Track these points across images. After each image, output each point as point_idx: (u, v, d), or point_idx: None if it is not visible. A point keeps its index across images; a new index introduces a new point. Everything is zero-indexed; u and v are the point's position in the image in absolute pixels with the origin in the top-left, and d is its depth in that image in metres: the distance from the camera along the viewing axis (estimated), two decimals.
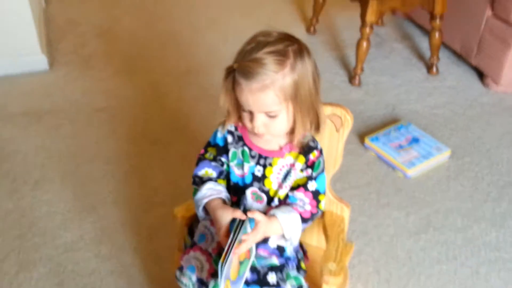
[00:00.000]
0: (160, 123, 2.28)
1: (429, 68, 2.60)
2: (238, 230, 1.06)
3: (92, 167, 2.05)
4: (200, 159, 1.23)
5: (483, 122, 2.25)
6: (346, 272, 1.31)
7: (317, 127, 1.14)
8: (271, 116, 1.06)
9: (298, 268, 1.21)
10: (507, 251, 1.69)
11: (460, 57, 2.65)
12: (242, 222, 1.07)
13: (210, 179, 1.19)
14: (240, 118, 1.13)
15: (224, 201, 1.16)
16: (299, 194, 1.16)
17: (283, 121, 1.08)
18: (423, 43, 2.80)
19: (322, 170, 1.17)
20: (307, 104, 1.08)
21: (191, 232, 1.29)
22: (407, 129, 2.16)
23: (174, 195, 1.91)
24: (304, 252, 1.28)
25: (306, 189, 1.15)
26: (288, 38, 1.07)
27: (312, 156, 1.14)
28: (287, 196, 1.17)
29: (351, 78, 2.53)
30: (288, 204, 1.16)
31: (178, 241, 1.34)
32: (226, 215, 1.10)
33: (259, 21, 3.06)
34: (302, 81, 1.05)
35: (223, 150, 1.19)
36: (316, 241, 1.40)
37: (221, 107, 1.14)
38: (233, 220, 1.09)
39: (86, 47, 2.85)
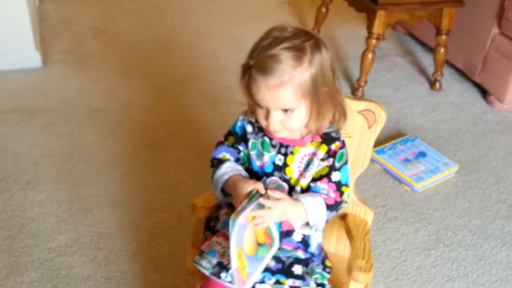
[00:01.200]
0: (158, 127, 2.21)
1: (432, 83, 2.58)
2: (254, 198, 1.03)
3: (88, 168, 1.96)
4: (219, 144, 1.20)
5: (488, 139, 2.23)
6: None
7: (340, 119, 1.12)
8: (287, 112, 1.04)
9: (324, 265, 1.17)
10: None
11: (463, 74, 2.64)
12: (259, 194, 1.05)
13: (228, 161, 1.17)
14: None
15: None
16: (322, 185, 1.12)
17: (300, 117, 1.05)
18: (425, 58, 2.79)
19: (346, 162, 1.13)
20: (325, 98, 1.05)
21: (208, 227, 1.23)
22: (413, 143, 2.12)
23: (173, 200, 1.83)
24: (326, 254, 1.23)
25: (329, 179, 1.12)
26: (304, 33, 1.04)
27: (334, 146, 1.12)
28: (309, 186, 1.13)
29: (354, 90, 2.49)
30: (311, 192, 1.12)
31: (194, 234, 1.27)
32: (246, 186, 1.07)
33: (259, 30, 3.01)
34: (321, 75, 1.03)
35: (241, 139, 1.16)
36: (334, 248, 1.34)
37: (242, 103, 1.11)
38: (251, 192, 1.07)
39: (81, 47, 2.77)
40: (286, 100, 1.02)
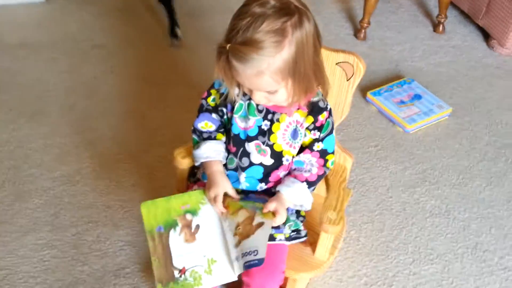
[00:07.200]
0: (160, 64, 2.24)
1: (435, 26, 2.56)
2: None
3: (90, 103, 2.02)
4: (201, 108, 1.20)
5: (486, 83, 2.24)
6: (344, 221, 1.32)
7: (324, 87, 1.12)
8: (269, 92, 1.04)
9: (298, 214, 1.22)
10: (499, 209, 1.71)
11: (468, 17, 2.61)
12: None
13: (209, 135, 1.17)
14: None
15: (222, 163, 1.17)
16: (305, 156, 1.15)
17: (284, 94, 1.05)
18: (430, 1, 2.75)
19: (331, 131, 1.16)
20: (307, 72, 1.03)
21: (191, 174, 1.28)
22: (410, 86, 2.14)
23: (173, 137, 1.89)
24: None
25: (311, 150, 1.15)
26: (286, 7, 0.98)
27: (321, 117, 1.13)
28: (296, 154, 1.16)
29: (357, 32, 2.48)
30: (294, 170, 1.16)
31: (177, 183, 1.33)
32: (226, 184, 1.13)
33: None
34: (301, 52, 0.99)
35: (226, 99, 1.15)
36: (315, 189, 1.40)
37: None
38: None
39: None
40: (266, 85, 1.01)
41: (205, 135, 1.18)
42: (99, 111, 1.99)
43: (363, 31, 2.46)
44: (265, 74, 0.98)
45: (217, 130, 1.18)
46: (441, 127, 2.01)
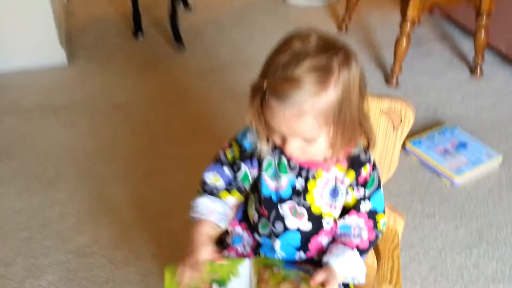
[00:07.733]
0: (182, 123, 2.13)
1: (472, 69, 2.41)
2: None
3: (109, 166, 1.91)
4: (215, 159, 1.05)
5: None
6: None
7: (368, 142, 0.97)
8: (307, 140, 0.89)
9: (345, 286, 1.04)
10: None
11: (506, 57, 2.46)
12: None
13: (212, 190, 1.03)
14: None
15: (215, 225, 1.01)
16: (352, 219, 0.99)
17: (322, 145, 0.90)
18: (464, 43, 2.62)
19: (378, 187, 0.99)
20: (352, 120, 0.89)
21: (220, 241, 1.13)
22: (453, 133, 1.97)
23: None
24: None
25: (358, 210, 0.98)
26: (331, 44, 0.86)
27: (364, 171, 0.97)
28: (340, 217, 1.01)
29: (388, 79, 2.35)
30: (341, 236, 1.00)
31: None
32: (206, 249, 0.97)
33: (287, 18, 2.92)
34: (347, 96, 0.86)
35: (249, 155, 1.00)
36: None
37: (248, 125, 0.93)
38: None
39: (107, 43, 2.73)
40: (306, 130, 0.86)
41: (207, 188, 1.03)
42: (118, 174, 1.87)
43: (395, 77, 2.33)
44: (308, 116, 0.84)
45: (224, 187, 1.03)
46: (492, 177, 1.82)
